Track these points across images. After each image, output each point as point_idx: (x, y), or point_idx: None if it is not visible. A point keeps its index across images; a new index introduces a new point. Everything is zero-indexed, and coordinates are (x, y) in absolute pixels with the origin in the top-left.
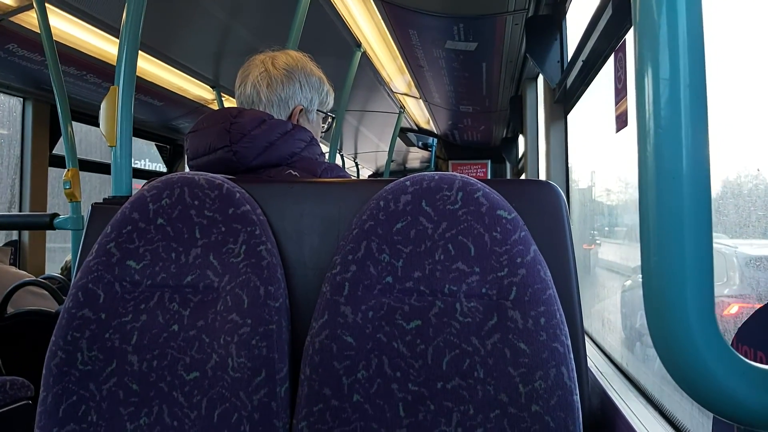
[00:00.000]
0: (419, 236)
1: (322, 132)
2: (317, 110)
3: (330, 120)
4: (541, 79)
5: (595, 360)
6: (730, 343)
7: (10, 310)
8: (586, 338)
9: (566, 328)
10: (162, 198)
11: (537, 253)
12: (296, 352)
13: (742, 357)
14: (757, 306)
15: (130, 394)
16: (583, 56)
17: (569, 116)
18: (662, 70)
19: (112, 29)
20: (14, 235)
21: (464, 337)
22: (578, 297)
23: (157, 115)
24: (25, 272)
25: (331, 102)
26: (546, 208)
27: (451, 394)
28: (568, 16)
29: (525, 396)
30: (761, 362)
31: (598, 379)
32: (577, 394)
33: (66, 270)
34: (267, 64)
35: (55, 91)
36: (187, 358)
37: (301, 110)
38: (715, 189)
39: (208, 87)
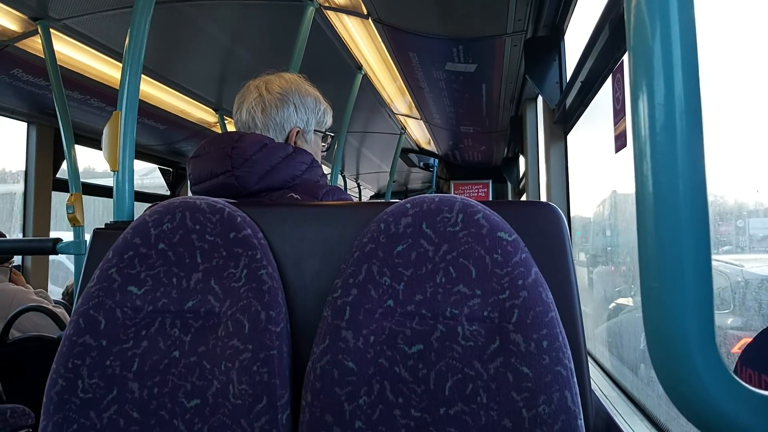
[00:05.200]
0: (420, 259)
1: (323, 151)
2: (315, 130)
3: (329, 139)
4: (540, 99)
5: (599, 383)
6: (734, 366)
7: (15, 333)
8: (590, 361)
9: (569, 351)
10: (163, 223)
11: (538, 275)
12: (297, 377)
13: (743, 383)
14: None
15: (130, 422)
16: (582, 77)
17: (569, 136)
18: (657, 95)
19: (115, 54)
20: (17, 259)
21: (466, 361)
22: (581, 319)
23: (160, 139)
24: (22, 287)
25: (329, 120)
26: (547, 229)
27: (454, 420)
28: (566, 37)
29: (529, 421)
30: (766, 386)
31: (603, 402)
32: (581, 419)
33: (68, 295)
34: (261, 89)
35: (58, 115)
36: (188, 384)
37: (298, 132)
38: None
39: (211, 110)
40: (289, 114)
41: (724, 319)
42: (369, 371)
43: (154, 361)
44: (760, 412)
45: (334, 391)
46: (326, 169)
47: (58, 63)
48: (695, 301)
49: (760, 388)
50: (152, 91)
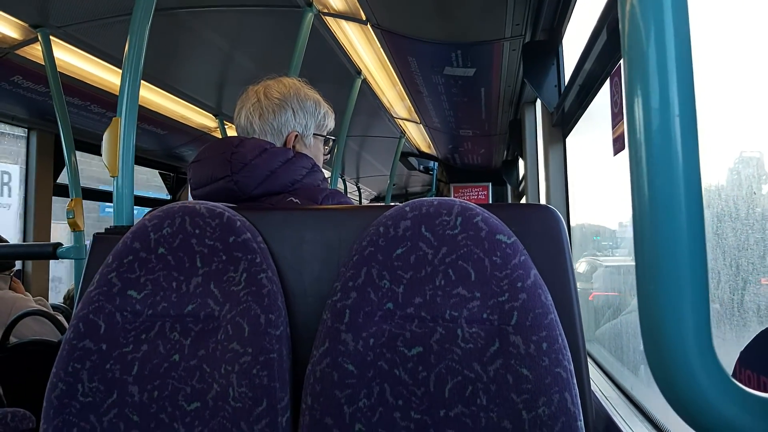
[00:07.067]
0: (419, 262)
1: (324, 155)
2: (315, 134)
3: (331, 143)
4: (539, 102)
5: (599, 384)
6: (733, 367)
7: (13, 339)
8: (590, 362)
9: (569, 353)
10: (163, 227)
11: (537, 278)
12: (297, 380)
13: (740, 385)
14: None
15: (130, 426)
16: (580, 80)
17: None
18: (652, 99)
19: (115, 60)
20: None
21: (466, 363)
22: (580, 321)
23: (160, 144)
24: (22, 295)
25: (330, 124)
26: (546, 232)
27: (454, 422)
28: (564, 41)
29: (529, 423)
30: (764, 387)
31: (603, 404)
32: (581, 420)
33: (69, 299)
34: (260, 94)
35: (59, 121)
36: (188, 388)
37: (296, 136)
38: (713, 212)
39: (211, 115)
40: (287, 119)
41: (593, 285)
42: (369, 374)
43: (154, 364)
44: (758, 414)
45: (334, 394)
46: (326, 173)
47: (58, 70)
48: (692, 304)
49: (758, 389)
50: (152, 96)
